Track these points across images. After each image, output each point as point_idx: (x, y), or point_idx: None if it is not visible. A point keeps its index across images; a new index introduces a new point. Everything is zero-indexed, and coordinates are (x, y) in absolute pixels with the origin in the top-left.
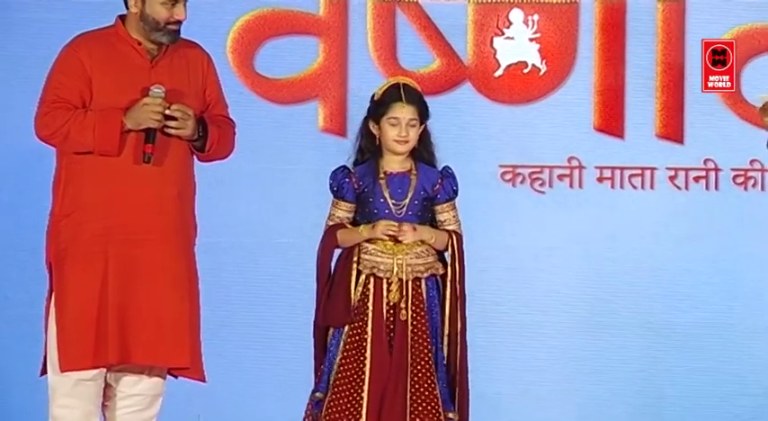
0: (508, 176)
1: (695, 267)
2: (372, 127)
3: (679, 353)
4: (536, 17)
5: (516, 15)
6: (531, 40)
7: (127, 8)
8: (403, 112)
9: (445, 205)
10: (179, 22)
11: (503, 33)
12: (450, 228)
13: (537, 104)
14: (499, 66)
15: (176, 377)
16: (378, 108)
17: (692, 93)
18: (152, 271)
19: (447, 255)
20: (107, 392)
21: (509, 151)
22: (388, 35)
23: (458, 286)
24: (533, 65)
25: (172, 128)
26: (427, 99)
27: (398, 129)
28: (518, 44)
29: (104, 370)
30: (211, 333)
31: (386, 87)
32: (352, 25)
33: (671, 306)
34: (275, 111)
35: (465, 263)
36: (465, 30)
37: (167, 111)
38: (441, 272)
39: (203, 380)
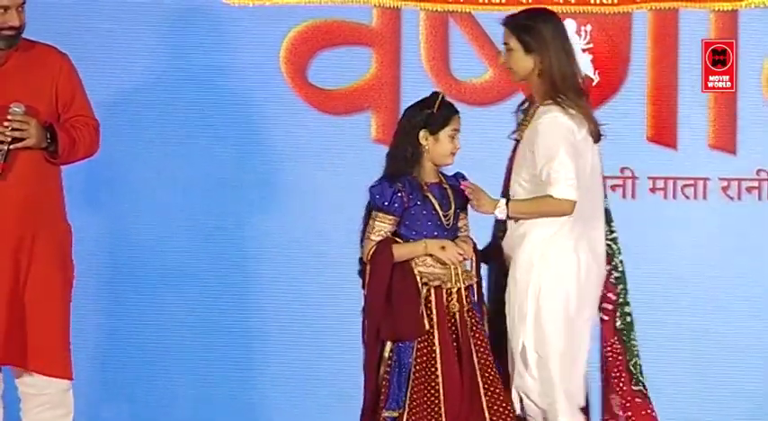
0: None
1: (748, 277)
2: (425, 138)
3: (727, 364)
4: (588, 27)
5: (569, 26)
6: (584, 50)
7: None
8: (459, 124)
9: (463, 213)
10: (12, 28)
11: None
12: (467, 233)
13: None
14: None
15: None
16: (437, 119)
17: (745, 103)
18: (12, 275)
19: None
20: (22, 397)
21: None
22: (440, 45)
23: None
24: (586, 75)
25: (17, 142)
26: (480, 109)
27: (456, 141)
28: None
29: None
30: (262, 340)
31: (439, 100)
32: (405, 36)
33: (724, 316)
34: (328, 122)
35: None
36: None
37: (6, 123)
38: (475, 279)
39: (69, 378)
